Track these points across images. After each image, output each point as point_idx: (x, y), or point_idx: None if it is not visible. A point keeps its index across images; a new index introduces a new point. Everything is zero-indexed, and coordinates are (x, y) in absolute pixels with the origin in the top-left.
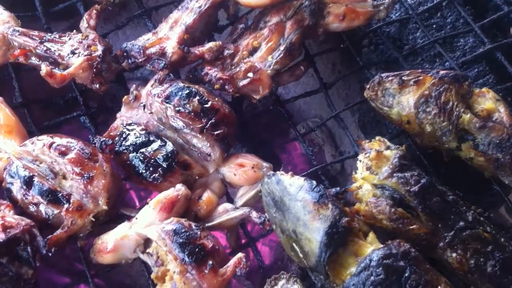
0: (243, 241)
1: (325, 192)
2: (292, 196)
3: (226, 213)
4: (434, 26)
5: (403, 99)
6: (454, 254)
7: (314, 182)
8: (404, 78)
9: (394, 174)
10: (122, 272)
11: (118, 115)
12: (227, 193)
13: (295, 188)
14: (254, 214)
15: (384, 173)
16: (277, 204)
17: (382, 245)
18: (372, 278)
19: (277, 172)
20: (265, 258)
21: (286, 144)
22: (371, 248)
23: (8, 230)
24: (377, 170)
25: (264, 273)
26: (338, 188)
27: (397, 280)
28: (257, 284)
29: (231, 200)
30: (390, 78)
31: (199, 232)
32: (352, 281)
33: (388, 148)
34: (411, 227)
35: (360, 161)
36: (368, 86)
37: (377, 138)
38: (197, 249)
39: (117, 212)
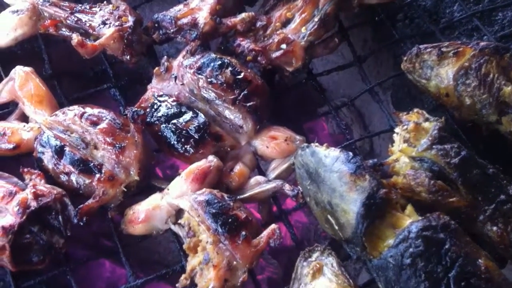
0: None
1: (362, 163)
2: (327, 168)
3: (258, 185)
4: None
5: (441, 71)
6: (494, 228)
7: (351, 153)
8: (443, 49)
9: (434, 146)
10: (150, 249)
11: (149, 86)
12: (259, 166)
13: (330, 160)
14: (287, 187)
15: (423, 145)
16: (312, 176)
17: (421, 218)
18: (411, 249)
19: (311, 143)
20: (289, 237)
21: (315, 122)
22: (410, 220)
23: (40, 198)
24: (416, 142)
25: (290, 251)
26: (375, 160)
27: (436, 252)
28: (283, 264)
29: (262, 174)
30: (428, 50)
31: (231, 203)
32: (390, 252)
33: (426, 120)
34: (450, 199)
35: (397, 133)
36: (405, 58)
37: (415, 110)
38: (230, 220)
39: (147, 184)
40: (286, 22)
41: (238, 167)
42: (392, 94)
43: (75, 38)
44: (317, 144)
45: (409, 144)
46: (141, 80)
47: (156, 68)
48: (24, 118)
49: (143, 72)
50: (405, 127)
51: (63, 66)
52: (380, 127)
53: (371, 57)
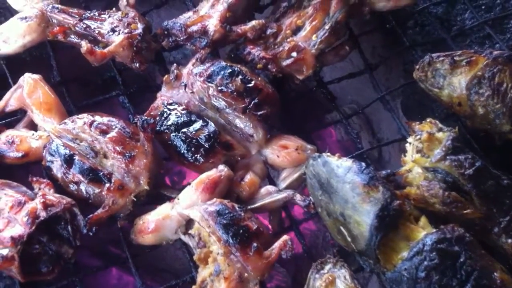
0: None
1: (375, 174)
2: (339, 178)
3: (269, 195)
4: (483, 7)
5: (454, 80)
6: (509, 240)
7: (363, 164)
8: (456, 58)
9: (448, 157)
10: (156, 256)
11: (158, 94)
12: (269, 175)
13: (343, 170)
14: (298, 197)
15: (436, 155)
16: (323, 186)
17: (435, 230)
18: (425, 263)
19: (323, 153)
20: (299, 246)
21: (324, 130)
22: (424, 233)
23: (49, 208)
24: (429, 152)
25: (299, 259)
26: (388, 171)
27: (452, 265)
28: (292, 272)
29: (273, 183)
30: (441, 58)
31: (242, 214)
32: (404, 265)
33: (440, 130)
34: (465, 211)
35: (410, 143)
36: (417, 67)
37: (428, 119)
38: (241, 231)
39: (157, 193)
40: (296, 30)
41: (249, 177)
42: (402, 102)
43: (84, 45)
44: (328, 154)
45: (422, 155)
46: (150, 87)
47: (166, 76)
48: (32, 126)
49: (152, 79)
50: (418, 137)
51: (72, 73)
52: (389, 134)
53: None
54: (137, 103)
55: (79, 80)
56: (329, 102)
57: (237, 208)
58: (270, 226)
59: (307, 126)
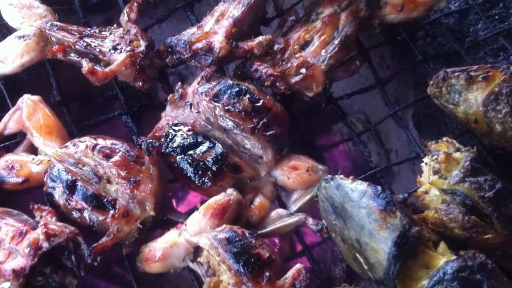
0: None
1: (392, 199)
2: (354, 203)
3: (280, 219)
4: (496, 17)
5: (470, 96)
6: None
7: (379, 188)
8: (472, 73)
9: (466, 179)
10: (161, 276)
11: (163, 114)
12: (279, 197)
13: (357, 194)
14: (310, 221)
15: (454, 177)
16: (337, 210)
17: (455, 256)
18: None
19: (336, 176)
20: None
21: (329, 138)
22: (444, 260)
23: (51, 239)
24: (447, 174)
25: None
26: (405, 194)
27: None
28: None
29: (283, 205)
30: (456, 74)
31: (253, 241)
32: None
33: (457, 150)
34: (485, 236)
35: (426, 164)
36: (431, 82)
37: (445, 139)
38: (252, 259)
39: (163, 217)
40: (304, 45)
41: (258, 200)
42: (413, 115)
43: (85, 65)
44: (342, 176)
45: (440, 176)
46: (154, 105)
47: (170, 95)
48: (33, 150)
49: (155, 96)
50: (435, 157)
51: (72, 91)
52: (398, 145)
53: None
54: (142, 119)
55: (80, 99)
56: (340, 119)
57: (247, 235)
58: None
59: (314, 138)
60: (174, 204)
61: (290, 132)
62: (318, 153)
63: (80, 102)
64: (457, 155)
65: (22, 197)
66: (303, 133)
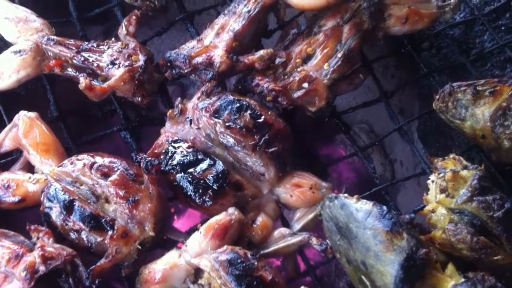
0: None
1: (398, 219)
2: (360, 223)
3: (283, 238)
4: (503, 28)
5: (477, 111)
6: None
7: (385, 208)
8: (479, 88)
9: (474, 198)
10: None
11: (162, 130)
12: (282, 214)
13: (363, 214)
14: (314, 241)
15: (462, 196)
16: (342, 231)
17: (463, 279)
18: None
19: (340, 194)
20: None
21: (332, 148)
22: (452, 283)
23: (48, 262)
24: (454, 192)
25: None
26: (412, 215)
27: None
28: None
29: (286, 223)
30: (462, 88)
31: (256, 262)
32: None
33: (465, 167)
34: (495, 257)
35: (433, 181)
36: (437, 97)
37: (451, 156)
38: (255, 282)
39: (163, 237)
40: (307, 58)
41: (261, 219)
42: (419, 128)
43: (83, 81)
44: (346, 195)
45: (447, 195)
46: (153, 120)
47: (170, 110)
48: (29, 167)
49: (156, 109)
50: (442, 175)
51: (70, 107)
52: (402, 156)
53: (394, 85)
54: (141, 135)
55: (78, 114)
56: (344, 133)
57: (249, 256)
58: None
59: (317, 148)
60: (176, 217)
61: (294, 145)
62: (323, 167)
63: (78, 117)
64: (464, 173)
65: (19, 216)
66: (307, 145)
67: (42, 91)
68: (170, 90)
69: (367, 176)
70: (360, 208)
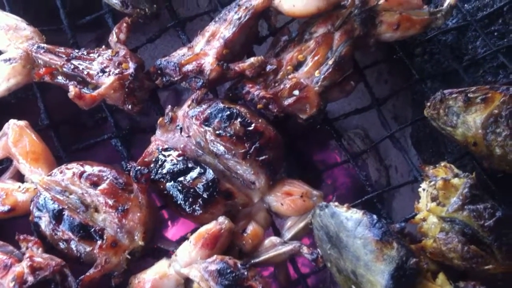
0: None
1: (388, 229)
2: (350, 232)
3: (274, 247)
4: (495, 34)
5: (469, 118)
6: None
7: (375, 217)
8: (470, 95)
9: (465, 207)
10: None
11: (152, 138)
12: (273, 223)
13: (353, 223)
14: (305, 250)
15: (453, 205)
16: (332, 240)
17: None
18: None
19: (331, 203)
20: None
21: (326, 153)
22: None
23: (37, 272)
24: (445, 201)
25: None
26: (402, 224)
27: None
28: None
29: (277, 231)
30: (454, 95)
31: (246, 272)
32: None
33: (456, 175)
34: (486, 267)
35: (424, 189)
36: (428, 104)
37: (443, 164)
38: None
39: (153, 246)
40: (298, 65)
41: (251, 228)
42: (412, 134)
43: (72, 90)
44: (336, 203)
45: (438, 203)
46: (144, 128)
47: (160, 118)
48: (19, 176)
49: (149, 117)
50: (433, 183)
51: (61, 114)
52: (397, 161)
53: (387, 90)
54: (132, 141)
55: (68, 122)
56: (336, 140)
57: (239, 266)
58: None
59: (311, 153)
60: (170, 223)
61: (285, 153)
62: (316, 173)
63: (69, 125)
64: (455, 181)
65: (9, 225)
66: (300, 150)
67: (33, 99)
68: (164, 96)
69: (362, 181)
70: (350, 217)
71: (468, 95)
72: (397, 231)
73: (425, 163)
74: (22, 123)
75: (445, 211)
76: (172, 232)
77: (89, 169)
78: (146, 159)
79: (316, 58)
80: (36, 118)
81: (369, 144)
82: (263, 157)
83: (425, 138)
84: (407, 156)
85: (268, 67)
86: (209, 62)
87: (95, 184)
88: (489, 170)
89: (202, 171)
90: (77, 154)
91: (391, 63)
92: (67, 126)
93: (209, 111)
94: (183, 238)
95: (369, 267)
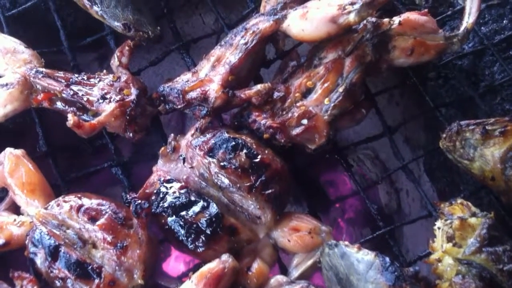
0: None
1: (402, 273)
2: (361, 276)
3: (280, 287)
4: None
5: (486, 152)
6: None
7: (387, 260)
8: (488, 127)
9: (483, 249)
10: None
11: (154, 168)
12: (279, 259)
13: (364, 266)
14: None
15: (470, 246)
16: (342, 282)
17: None
18: None
19: (340, 242)
20: None
21: (336, 175)
22: None
23: None
24: (461, 242)
25: None
26: (417, 268)
27: None
28: None
29: (283, 268)
30: (471, 127)
31: None
32: None
33: (473, 214)
34: None
35: (439, 228)
36: (444, 136)
37: (459, 201)
38: None
39: (154, 283)
40: (306, 92)
41: (256, 265)
42: (425, 162)
43: (71, 119)
44: (347, 243)
45: (454, 244)
46: (146, 155)
47: (163, 147)
48: (15, 207)
49: (148, 146)
50: (449, 221)
51: (59, 140)
52: (409, 185)
53: (399, 113)
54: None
55: (68, 149)
56: (345, 170)
57: None
58: None
59: (319, 174)
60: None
61: (292, 186)
62: (326, 201)
63: (68, 152)
64: (473, 220)
65: (3, 259)
66: (307, 175)
67: (31, 124)
68: (168, 117)
69: (377, 207)
70: (362, 259)
71: (486, 127)
72: (410, 275)
73: (439, 193)
74: (19, 152)
75: (461, 253)
76: (172, 261)
77: (87, 202)
78: (147, 190)
79: (325, 84)
80: (35, 142)
81: (379, 166)
82: (270, 190)
83: (439, 167)
84: (421, 189)
85: (276, 94)
86: (214, 89)
87: (93, 219)
88: (508, 205)
89: (206, 205)
90: (76, 183)
91: (404, 92)
92: (66, 153)
93: (213, 141)
94: (185, 274)
95: None
